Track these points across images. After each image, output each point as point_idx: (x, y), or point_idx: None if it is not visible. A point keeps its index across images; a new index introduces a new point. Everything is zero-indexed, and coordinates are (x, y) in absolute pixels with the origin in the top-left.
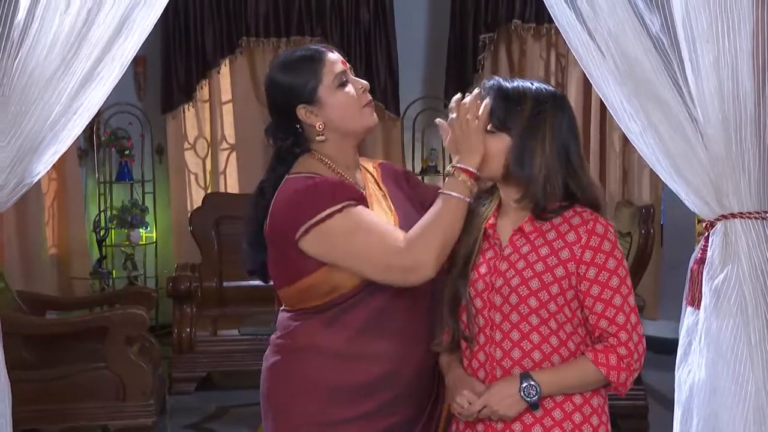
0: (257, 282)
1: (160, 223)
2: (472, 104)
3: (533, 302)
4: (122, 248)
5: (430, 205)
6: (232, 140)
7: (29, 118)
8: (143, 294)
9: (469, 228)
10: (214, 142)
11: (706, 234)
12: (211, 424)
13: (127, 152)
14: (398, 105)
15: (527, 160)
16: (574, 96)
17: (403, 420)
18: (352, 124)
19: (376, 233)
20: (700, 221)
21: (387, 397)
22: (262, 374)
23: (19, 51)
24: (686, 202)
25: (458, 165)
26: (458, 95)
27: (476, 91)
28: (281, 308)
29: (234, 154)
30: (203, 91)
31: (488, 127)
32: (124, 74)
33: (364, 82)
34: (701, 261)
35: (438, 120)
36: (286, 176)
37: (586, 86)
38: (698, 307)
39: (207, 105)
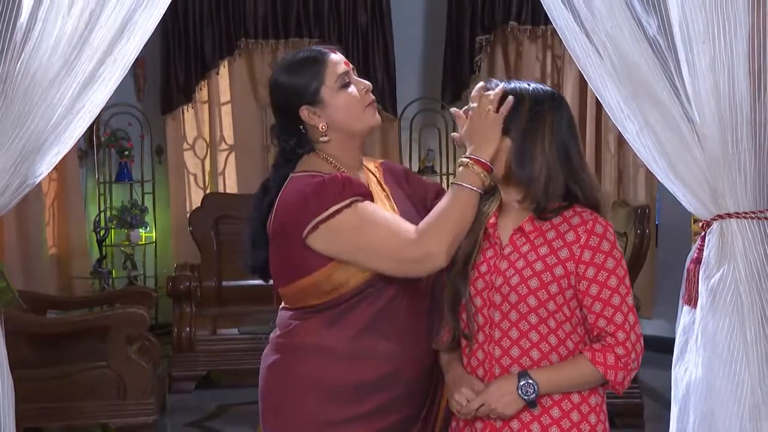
0: (256, 281)
1: (159, 223)
2: (497, 96)
3: (532, 301)
4: (122, 248)
5: (431, 202)
6: (230, 141)
7: (32, 119)
8: (143, 293)
9: (470, 227)
10: (213, 143)
11: (703, 234)
12: (211, 423)
13: (126, 153)
14: (395, 106)
15: (528, 160)
16: (569, 97)
17: (401, 419)
18: (355, 124)
19: (385, 226)
20: (696, 221)
21: (387, 397)
22: (261, 373)
23: (22, 52)
24: (683, 202)
25: (472, 156)
26: (481, 83)
27: (501, 85)
28: (281, 307)
29: (233, 155)
30: (202, 92)
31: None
32: (124, 75)
33: (367, 82)
34: (697, 261)
35: (453, 109)
36: (291, 175)
37: (582, 87)
38: (695, 306)
39: (206, 106)
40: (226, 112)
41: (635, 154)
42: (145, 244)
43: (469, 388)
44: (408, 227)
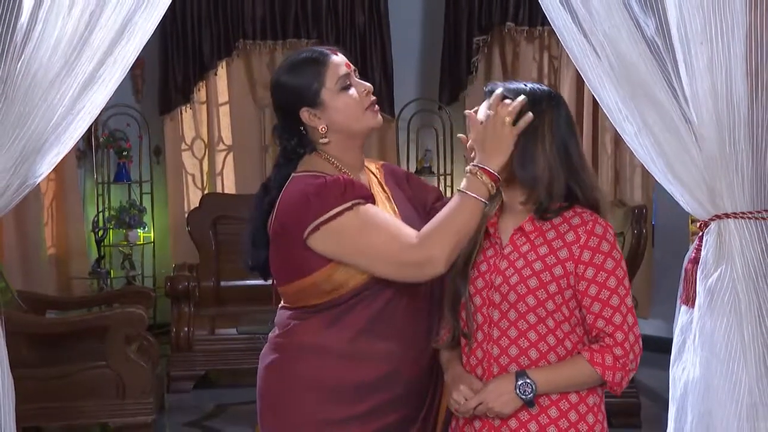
0: (254, 281)
1: (157, 224)
2: (515, 109)
3: (531, 300)
4: (120, 248)
5: (431, 206)
6: (228, 141)
7: (32, 120)
8: (142, 293)
9: None
10: (211, 144)
11: (700, 234)
12: (210, 422)
13: (125, 153)
14: (393, 106)
15: (530, 161)
16: (566, 98)
17: (400, 419)
18: (355, 126)
19: (387, 230)
20: (693, 221)
21: (385, 397)
22: (259, 372)
23: (23, 53)
24: (680, 203)
25: (481, 165)
26: (500, 91)
27: (521, 98)
28: (280, 306)
29: (231, 156)
30: (200, 93)
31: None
32: (124, 76)
33: (368, 84)
34: (695, 260)
35: (468, 111)
36: (293, 174)
37: (579, 88)
38: (692, 306)
39: (204, 107)
40: (225, 112)
41: (632, 154)
42: (143, 244)
43: (468, 387)
44: (410, 232)
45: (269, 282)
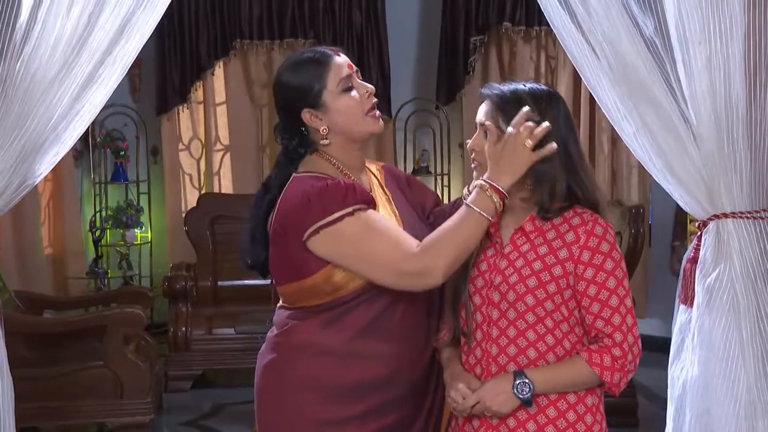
0: (252, 281)
1: (154, 223)
2: (539, 134)
3: (530, 300)
4: (117, 248)
5: (430, 210)
6: (225, 141)
7: (32, 119)
8: (139, 293)
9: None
10: (208, 143)
11: (699, 233)
12: (207, 422)
13: (122, 153)
14: (390, 106)
15: None
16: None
17: (399, 419)
18: (356, 128)
19: (388, 238)
20: (692, 221)
21: (385, 398)
22: (258, 371)
23: (22, 53)
24: (679, 202)
25: (492, 182)
26: (527, 109)
27: (546, 124)
28: (279, 305)
29: (228, 155)
30: (197, 93)
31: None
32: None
33: (370, 86)
34: (694, 260)
35: (488, 123)
36: (294, 174)
37: (576, 88)
38: (691, 305)
39: (201, 106)
40: (222, 112)
41: (629, 154)
42: (140, 244)
43: (466, 386)
44: (411, 241)
45: (267, 281)
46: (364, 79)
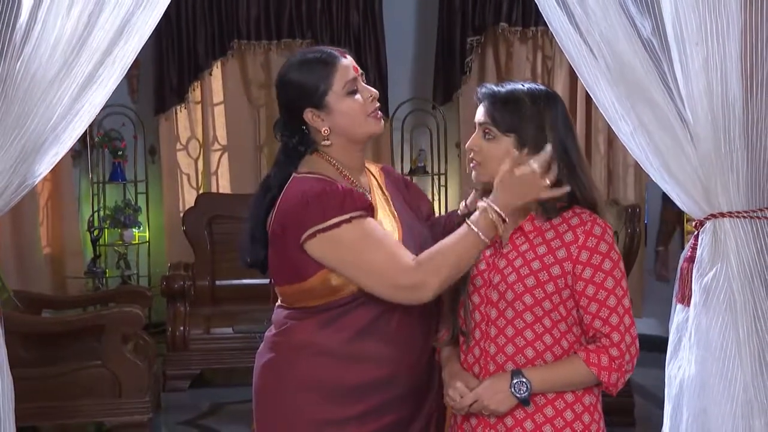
0: (250, 280)
1: (152, 223)
2: (558, 194)
3: (528, 299)
4: (115, 248)
5: (426, 214)
6: (223, 141)
7: (32, 119)
8: (137, 293)
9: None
10: (206, 143)
11: (696, 233)
12: (205, 421)
13: (120, 153)
14: (387, 106)
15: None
16: None
17: (398, 419)
18: (357, 130)
19: (385, 249)
20: (689, 220)
21: (383, 399)
22: (256, 371)
23: (22, 53)
24: (676, 202)
25: (496, 206)
26: (550, 148)
27: (567, 187)
28: (277, 305)
29: (225, 155)
30: (195, 93)
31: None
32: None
33: (374, 90)
34: (691, 259)
35: (515, 151)
36: (294, 174)
37: (572, 88)
38: (688, 304)
39: (199, 106)
40: (219, 112)
41: (625, 154)
42: (138, 243)
43: (464, 384)
44: (407, 254)
45: (265, 281)
46: None
